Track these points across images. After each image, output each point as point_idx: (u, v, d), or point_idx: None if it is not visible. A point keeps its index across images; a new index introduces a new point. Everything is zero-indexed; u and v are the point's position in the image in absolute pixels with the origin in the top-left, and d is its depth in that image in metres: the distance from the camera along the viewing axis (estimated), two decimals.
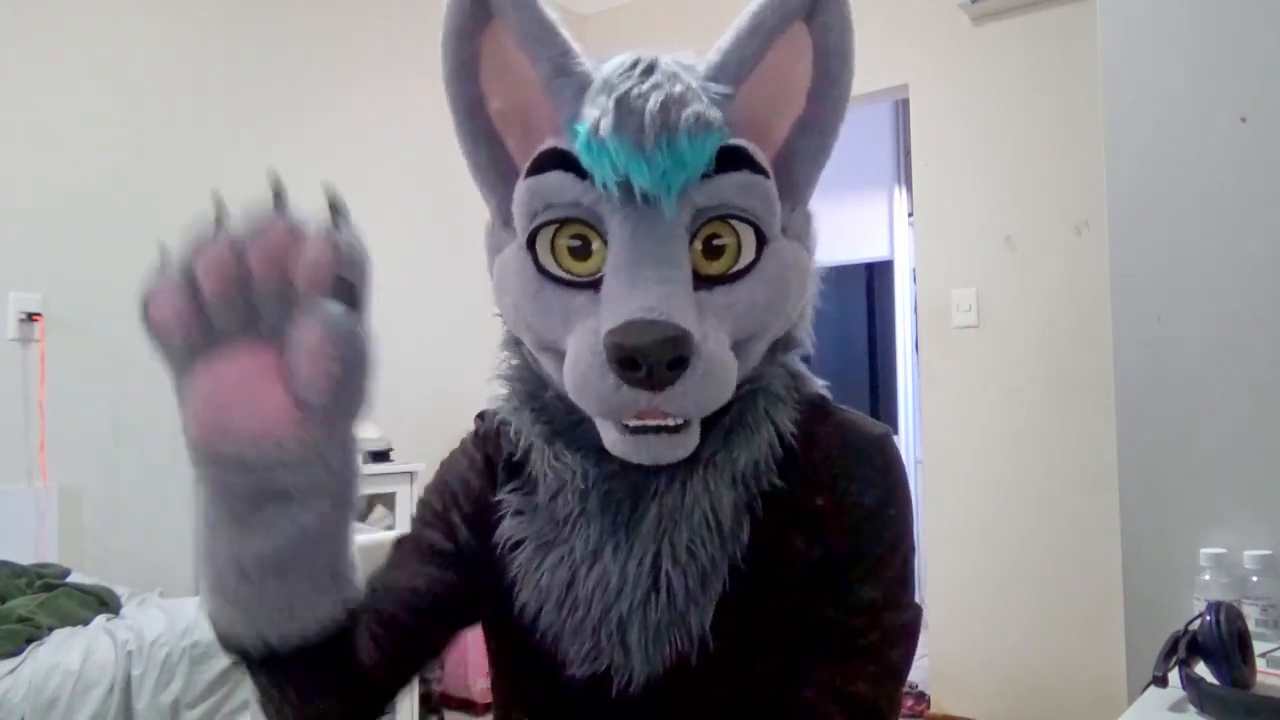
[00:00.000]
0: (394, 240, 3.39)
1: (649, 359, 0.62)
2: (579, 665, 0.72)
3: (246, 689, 1.92)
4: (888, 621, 0.73)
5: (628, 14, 3.85)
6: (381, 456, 2.95)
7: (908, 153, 3.66)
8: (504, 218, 0.74)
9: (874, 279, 4.87)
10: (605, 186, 0.66)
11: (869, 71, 3.61)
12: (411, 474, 2.96)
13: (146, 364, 2.45)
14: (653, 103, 0.64)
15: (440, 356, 3.31)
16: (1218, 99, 1.54)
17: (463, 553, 0.79)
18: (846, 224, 4.57)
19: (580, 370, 0.66)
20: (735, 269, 0.69)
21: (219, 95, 2.95)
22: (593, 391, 0.65)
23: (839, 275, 4.90)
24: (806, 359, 0.81)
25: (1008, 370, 2.93)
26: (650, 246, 0.66)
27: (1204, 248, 1.55)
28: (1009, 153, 2.94)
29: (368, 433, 2.96)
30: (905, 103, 3.30)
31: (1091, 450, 2.71)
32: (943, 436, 3.07)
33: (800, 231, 0.75)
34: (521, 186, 0.70)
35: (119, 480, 2.67)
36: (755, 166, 0.68)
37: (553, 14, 0.71)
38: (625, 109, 0.65)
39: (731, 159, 0.68)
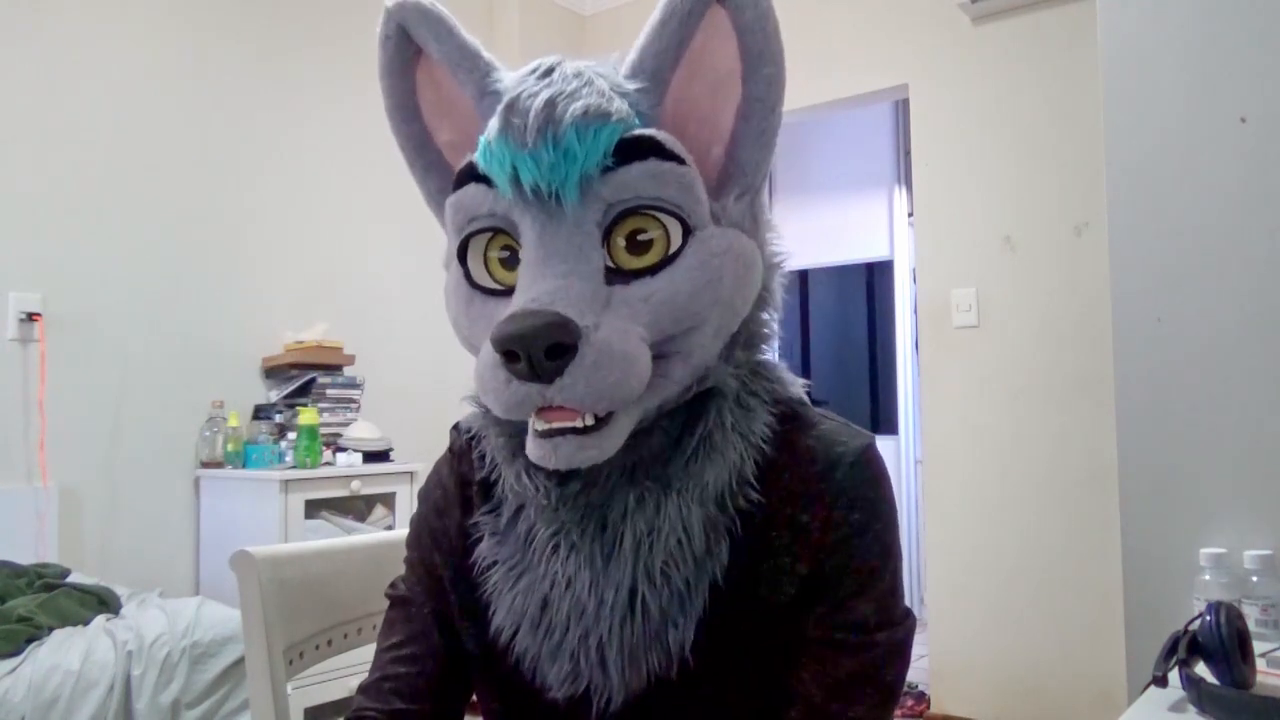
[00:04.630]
0: (393, 240, 3.39)
1: (526, 348, 0.61)
2: (558, 688, 0.71)
3: (246, 689, 1.92)
4: (882, 640, 0.71)
5: (628, 14, 3.85)
6: (381, 456, 2.95)
7: (908, 153, 3.66)
8: None
9: (874, 279, 4.87)
10: (504, 191, 0.67)
11: (869, 71, 3.62)
12: (411, 474, 2.96)
13: (146, 364, 2.46)
14: (538, 101, 0.65)
15: (440, 356, 3.32)
16: (1218, 99, 1.54)
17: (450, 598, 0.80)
18: (846, 224, 4.57)
19: (479, 370, 0.66)
20: (659, 261, 0.67)
21: (220, 97, 2.95)
22: (490, 390, 0.65)
23: (839, 275, 4.90)
24: (806, 367, 0.80)
25: (1008, 370, 2.93)
26: (557, 245, 0.66)
27: (1204, 248, 1.55)
28: (1009, 153, 2.94)
29: (368, 433, 2.97)
30: (905, 103, 3.30)
31: (1091, 450, 2.71)
32: (943, 436, 3.07)
33: (740, 218, 0.72)
34: (447, 203, 0.71)
35: (119, 480, 2.67)
36: (665, 154, 0.67)
37: (472, 39, 0.72)
38: (513, 111, 0.65)
39: (637, 149, 0.66)
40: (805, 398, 0.78)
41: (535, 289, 0.64)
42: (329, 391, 2.97)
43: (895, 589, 0.74)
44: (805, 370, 4.85)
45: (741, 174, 0.72)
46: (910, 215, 3.92)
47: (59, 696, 1.75)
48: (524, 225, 0.67)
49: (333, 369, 3.02)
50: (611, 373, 0.63)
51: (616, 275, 0.67)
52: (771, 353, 0.80)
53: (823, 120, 4.35)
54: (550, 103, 0.64)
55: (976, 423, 2.98)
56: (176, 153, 2.84)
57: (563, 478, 0.71)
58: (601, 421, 0.65)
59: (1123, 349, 1.61)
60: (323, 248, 3.20)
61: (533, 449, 0.67)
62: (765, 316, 0.77)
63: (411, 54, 0.74)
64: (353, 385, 3.04)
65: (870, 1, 3.19)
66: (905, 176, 4.34)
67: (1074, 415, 2.79)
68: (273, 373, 3.00)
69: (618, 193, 0.66)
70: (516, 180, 0.65)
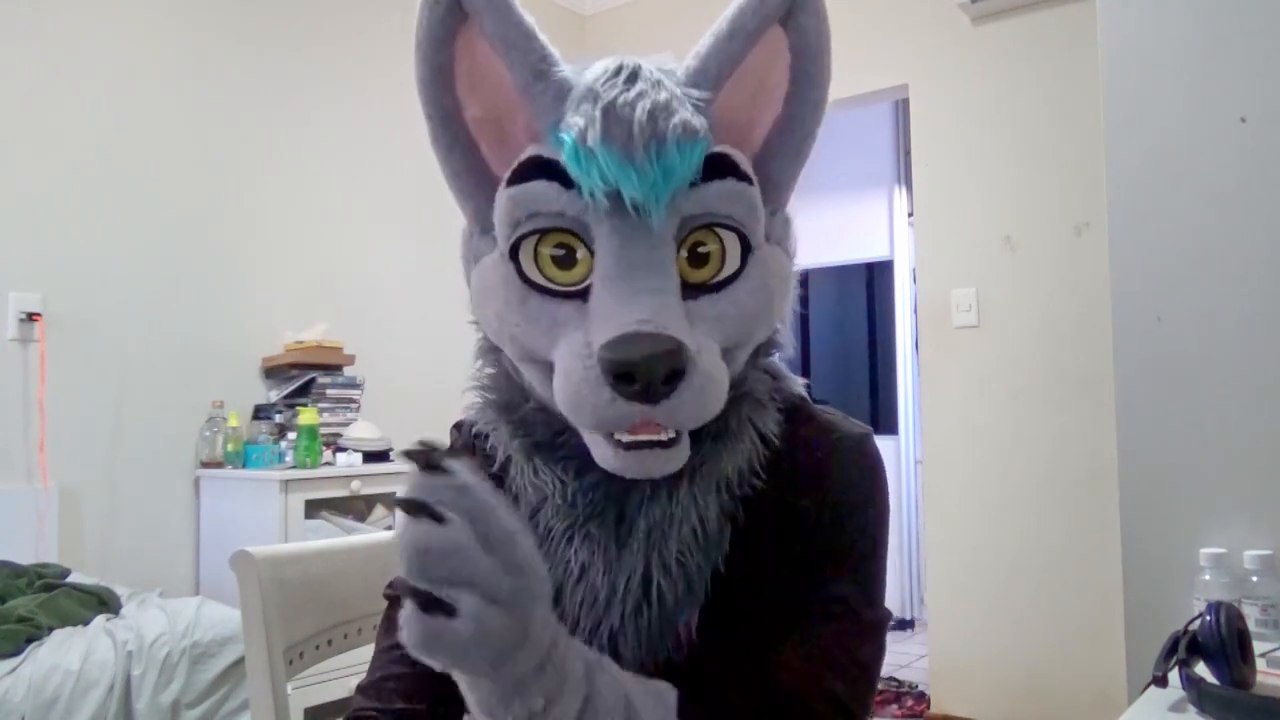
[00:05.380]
0: (393, 240, 3.39)
1: (647, 374, 0.61)
2: None
3: (246, 689, 1.92)
4: (863, 617, 0.72)
5: (628, 14, 3.85)
6: (381, 456, 2.95)
7: (908, 153, 3.66)
8: (481, 225, 0.73)
9: (874, 279, 4.87)
10: (593, 196, 0.65)
11: (869, 71, 3.60)
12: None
13: (146, 364, 2.45)
14: (639, 111, 0.64)
15: (440, 356, 3.31)
16: (1218, 99, 1.54)
17: None
18: (846, 224, 4.57)
19: (573, 384, 0.64)
20: (719, 277, 0.68)
21: (220, 97, 2.95)
22: (588, 405, 0.64)
23: (839, 275, 4.90)
24: (806, 367, 0.80)
25: (1008, 370, 2.93)
26: (640, 257, 0.65)
27: (1204, 248, 1.55)
28: (1009, 153, 2.94)
29: (367, 433, 2.97)
30: (905, 103, 3.30)
31: (1091, 450, 2.71)
32: (943, 436, 3.07)
33: (781, 236, 0.74)
34: (504, 195, 0.69)
35: (119, 480, 2.66)
36: (740, 174, 0.68)
37: (529, 18, 0.70)
38: (613, 118, 0.64)
39: (716, 167, 0.67)
40: (806, 394, 0.79)
41: (638, 309, 0.63)
42: (329, 391, 2.97)
43: (879, 576, 0.75)
44: (805, 370, 4.84)
45: (773, 188, 0.73)
46: (910, 215, 3.92)
47: (59, 696, 1.75)
48: (600, 232, 0.66)
49: (333, 369, 3.02)
50: (709, 397, 0.64)
51: (685, 289, 0.67)
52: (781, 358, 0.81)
53: (823, 120, 4.35)
54: (652, 116, 0.64)
55: (976, 423, 2.98)
56: (176, 153, 2.84)
57: (580, 471, 0.71)
58: (679, 433, 0.67)
59: (1123, 349, 1.61)
60: (323, 248, 3.20)
61: (610, 459, 0.67)
62: (779, 326, 0.78)
63: (456, 23, 0.70)
64: (353, 385, 3.04)
65: (870, 1, 3.19)
66: (905, 176, 4.34)
67: (1074, 415, 2.79)
68: (273, 373, 3.00)
69: (696, 208, 0.67)
70: (614, 191, 0.64)
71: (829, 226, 4.54)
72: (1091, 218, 2.74)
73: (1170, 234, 1.57)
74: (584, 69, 0.69)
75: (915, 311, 3.42)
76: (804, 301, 5.09)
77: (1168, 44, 1.59)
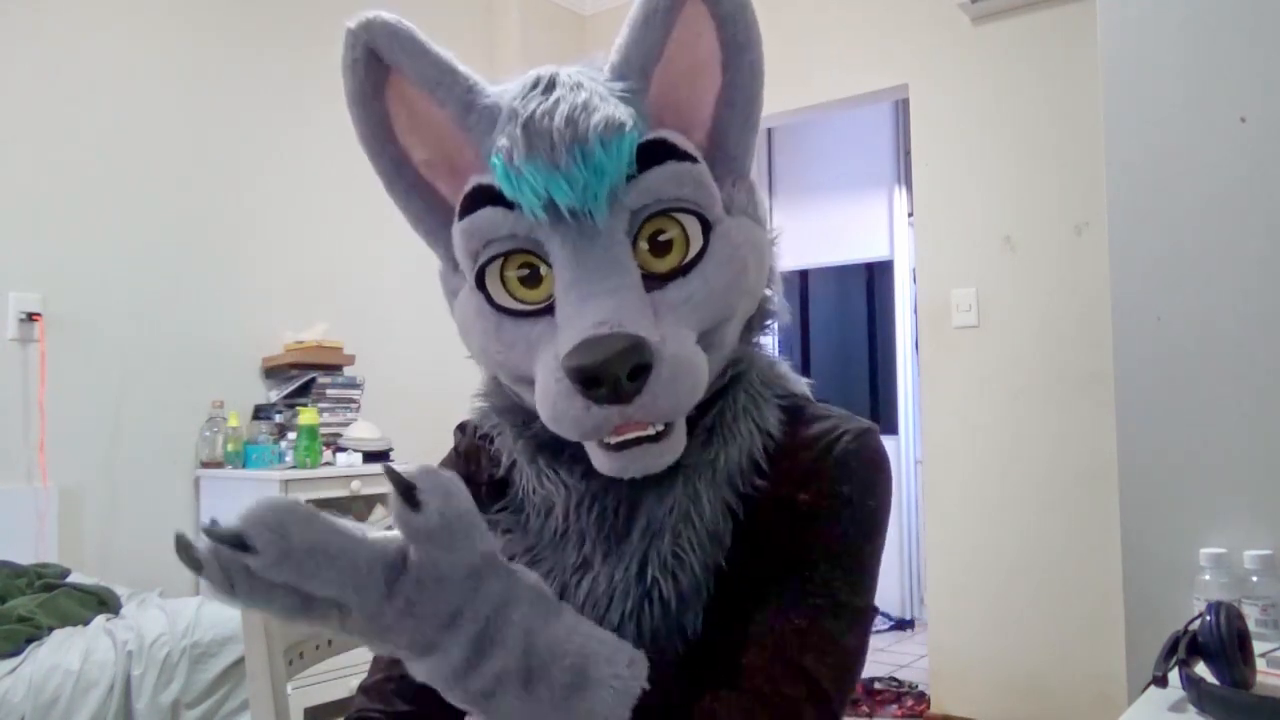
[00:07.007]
0: (393, 240, 3.38)
1: (609, 374, 0.61)
2: None
3: (246, 689, 1.92)
4: (845, 602, 0.70)
5: (627, 14, 3.85)
6: (381, 456, 2.95)
7: (908, 153, 3.66)
8: (453, 262, 0.74)
9: (874, 279, 4.86)
10: (534, 213, 0.65)
11: (869, 71, 3.60)
12: None
13: (146, 364, 2.45)
14: (557, 118, 0.64)
15: (440, 356, 3.31)
16: (1218, 99, 1.54)
17: None
18: (846, 224, 4.57)
19: (550, 400, 0.65)
20: (685, 261, 0.68)
21: (220, 97, 2.95)
22: (566, 418, 0.64)
23: (839, 275, 4.90)
24: (806, 367, 0.80)
25: (1008, 370, 2.93)
26: (593, 261, 0.66)
27: (1204, 248, 1.55)
28: (1009, 153, 2.94)
29: (367, 433, 2.97)
30: (905, 103, 3.30)
31: (1091, 450, 2.71)
32: (943, 436, 3.07)
33: (745, 205, 0.73)
34: (456, 229, 0.70)
35: (119, 480, 2.67)
36: (679, 154, 0.67)
37: (447, 53, 0.70)
38: (533, 131, 0.64)
39: (653, 153, 0.67)
40: (809, 394, 0.79)
41: (593, 310, 0.64)
42: (329, 391, 2.97)
43: (868, 568, 0.73)
44: (805, 370, 4.82)
45: (730, 159, 0.73)
46: (910, 215, 3.92)
47: (59, 696, 1.75)
48: (552, 244, 0.67)
49: (333, 369, 3.02)
50: (682, 384, 0.64)
51: (650, 280, 0.67)
52: (775, 331, 0.81)
53: (823, 120, 4.35)
54: (570, 120, 0.64)
55: (976, 423, 2.98)
56: (176, 153, 2.84)
57: (587, 474, 0.71)
58: (669, 425, 0.66)
59: (1123, 348, 1.61)
60: (323, 248, 3.20)
61: (605, 463, 0.67)
62: (769, 293, 0.78)
63: (381, 76, 0.71)
64: (353, 385, 3.04)
65: (870, 1, 3.19)
66: (905, 176, 4.34)
67: (1074, 415, 2.79)
68: (273, 373, 3.00)
69: (640, 199, 0.67)
70: (549, 202, 0.65)
71: (829, 226, 4.54)
72: (1091, 217, 2.74)
73: (1170, 234, 1.57)
74: (507, 89, 0.69)
75: (915, 311, 3.42)
76: (804, 301, 5.11)
77: (1168, 44, 1.59)
